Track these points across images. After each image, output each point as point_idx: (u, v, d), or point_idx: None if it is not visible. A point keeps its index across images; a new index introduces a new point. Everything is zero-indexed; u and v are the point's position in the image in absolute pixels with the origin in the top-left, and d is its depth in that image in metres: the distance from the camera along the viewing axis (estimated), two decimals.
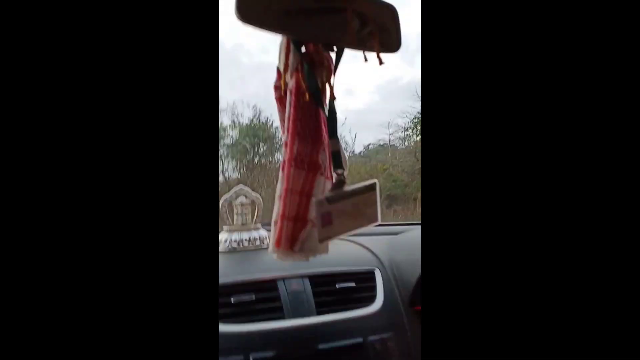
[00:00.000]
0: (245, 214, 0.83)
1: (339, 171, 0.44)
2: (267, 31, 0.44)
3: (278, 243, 0.42)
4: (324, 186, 0.44)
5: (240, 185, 0.85)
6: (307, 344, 0.58)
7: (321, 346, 0.58)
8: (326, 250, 0.45)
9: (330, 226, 0.44)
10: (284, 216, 0.42)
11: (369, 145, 3.81)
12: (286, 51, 0.46)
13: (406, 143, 3.57)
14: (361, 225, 0.46)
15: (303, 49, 0.45)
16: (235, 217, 0.83)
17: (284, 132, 0.48)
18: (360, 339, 0.60)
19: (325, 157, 0.44)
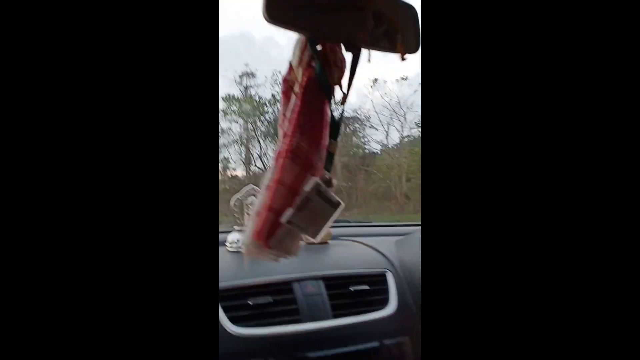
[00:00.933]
0: None
1: (328, 174, 0.42)
2: (291, 30, 0.44)
3: (258, 235, 0.38)
4: (313, 188, 0.41)
5: (251, 185, 0.85)
6: (325, 347, 0.59)
7: (339, 350, 0.59)
8: (297, 252, 0.42)
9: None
10: (270, 207, 0.39)
11: (405, 137, 3.58)
12: (302, 47, 0.46)
13: None
14: (307, 233, 0.43)
15: (319, 47, 0.45)
16: (245, 217, 0.83)
17: (282, 126, 0.47)
18: (376, 343, 0.61)
19: (319, 158, 0.43)
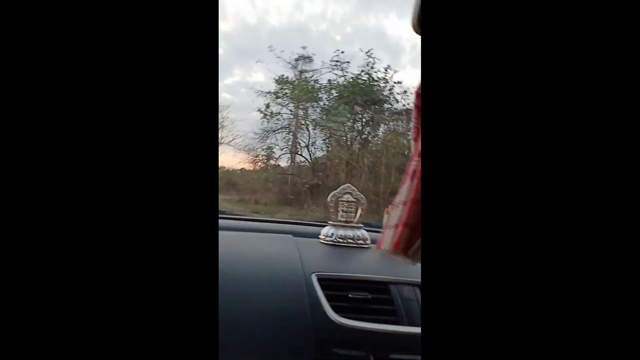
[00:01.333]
0: (350, 211, 0.86)
1: None
2: None
3: (396, 246, 0.42)
4: None
5: (348, 184, 0.87)
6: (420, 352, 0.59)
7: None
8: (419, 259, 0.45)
9: None
10: (405, 224, 0.42)
11: None
12: None
13: None
14: None
15: None
16: (339, 213, 0.86)
17: (416, 140, 0.48)
18: None
19: None
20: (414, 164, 0.46)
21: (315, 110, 3.66)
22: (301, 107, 3.71)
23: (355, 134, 3.42)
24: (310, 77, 3.73)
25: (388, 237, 0.43)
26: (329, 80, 3.56)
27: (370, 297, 0.64)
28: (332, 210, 0.85)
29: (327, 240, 0.83)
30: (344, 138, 3.40)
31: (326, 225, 0.86)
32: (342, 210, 0.86)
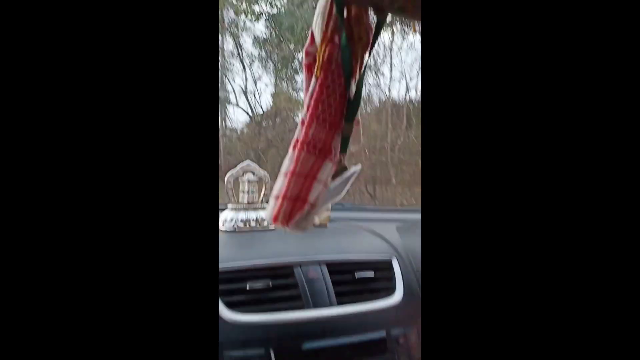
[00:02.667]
0: (252, 192, 0.77)
1: (343, 159, 0.42)
2: None
3: (275, 218, 0.41)
4: (329, 171, 0.42)
5: (248, 161, 0.78)
6: (329, 336, 0.54)
7: (345, 340, 0.54)
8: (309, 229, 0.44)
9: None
10: (285, 196, 0.41)
11: None
12: (328, 15, 0.41)
13: None
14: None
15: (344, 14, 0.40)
16: (241, 194, 0.76)
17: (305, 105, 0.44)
18: (383, 333, 0.57)
19: (338, 142, 0.42)
20: (297, 133, 0.41)
21: (251, 30, 2.21)
22: (227, 28, 2.24)
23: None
24: None
25: (268, 208, 0.41)
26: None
27: (271, 285, 0.57)
28: (230, 193, 0.76)
29: (227, 227, 0.73)
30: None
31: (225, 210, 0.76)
32: (243, 192, 0.77)
